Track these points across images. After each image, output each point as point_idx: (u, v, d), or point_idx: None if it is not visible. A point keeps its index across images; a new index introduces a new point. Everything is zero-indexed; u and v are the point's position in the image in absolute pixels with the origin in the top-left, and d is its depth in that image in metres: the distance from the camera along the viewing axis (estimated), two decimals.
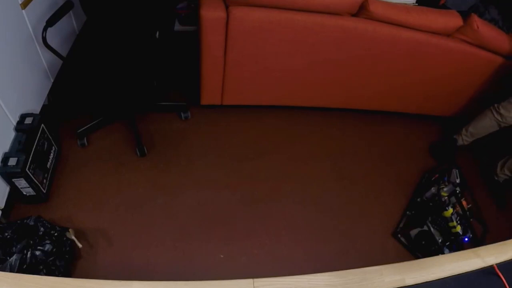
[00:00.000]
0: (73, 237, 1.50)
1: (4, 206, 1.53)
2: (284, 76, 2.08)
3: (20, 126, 1.61)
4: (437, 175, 1.99)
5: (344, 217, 1.87)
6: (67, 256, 1.45)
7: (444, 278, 0.77)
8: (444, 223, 1.74)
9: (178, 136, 2.10)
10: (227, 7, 1.75)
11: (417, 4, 2.26)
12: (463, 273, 0.78)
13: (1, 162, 1.48)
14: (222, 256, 1.64)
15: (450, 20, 1.89)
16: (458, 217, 1.74)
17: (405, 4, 2.02)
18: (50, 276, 0.68)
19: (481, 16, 2.80)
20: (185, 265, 1.59)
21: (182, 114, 2.18)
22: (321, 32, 1.85)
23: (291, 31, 1.83)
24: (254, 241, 1.71)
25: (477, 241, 1.76)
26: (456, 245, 1.72)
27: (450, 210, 1.72)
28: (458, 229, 1.71)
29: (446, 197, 1.76)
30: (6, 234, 1.35)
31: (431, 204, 1.79)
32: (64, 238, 1.47)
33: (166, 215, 1.73)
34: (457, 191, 1.81)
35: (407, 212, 1.91)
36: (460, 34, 1.97)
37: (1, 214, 1.50)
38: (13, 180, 1.51)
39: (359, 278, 0.75)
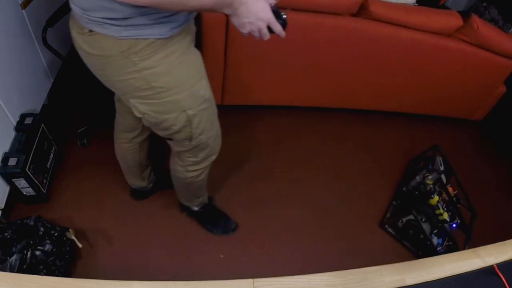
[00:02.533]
0: (73, 237, 1.50)
1: (4, 206, 1.53)
2: (284, 76, 2.09)
3: (20, 126, 1.61)
4: (422, 163, 1.98)
5: (344, 217, 1.87)
6: (67, 256, 1.45)
7: (444, 278, 0.77)
8: (431, 211, 1.73)
9: None
10: None
11: (417, 4, 2.27)
12: (463, 273, 0.78)
13: (1, 162, 1.48)
14: (222, 256, 1.64)
15: (450, 20, 1.90)
16: (445, 204, 1.74)
17: (405, 4, 2.02)
18: (50, 276, 0.68)
19: (481, 16, 2.81)
20: (185, 265, 1.59)
21: None
22: (321, 32, 1.86)
23: (291, 31, 1.83)
24: (254, 241, 1.71)
25: (466, 227, 1.74)
26: (444, 232, 1.71)
27: (436, 197, 1.71)
28: (445, 216, 1.69)
29: (431, 185, 1.76)
30: (6, 234, 1.35)
31: (416, 192, 1.80)
32: (64, 238, 1.47)
33: (166, 215, 1.73)
34: (442, 179, 1.80)
35: (394, 202, 1.92)
36: (460, 34, 1.97)
37: (1, 214, 1.50)
38: (13, 180, 1.51)
39: (359, 278, 0.75)
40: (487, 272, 0.78)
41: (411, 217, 1.76)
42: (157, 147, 2.01)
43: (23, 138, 1.58)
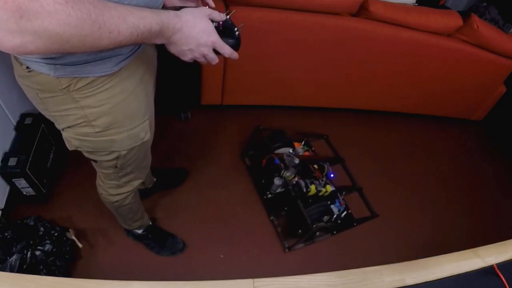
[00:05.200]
0: (73, 237, 1.50)
1: (4, 206, 1.53)
2: (284, 76, 2.09)
3: (20, 126, 1.61)
4: (265, 159, 1.83)
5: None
6: (67, 256, 1.45)
7: (444, 278, 0.77)
8: (316, 199, 1.66)
9: (178, 136, 2.10)
10: (227, 7, 1.75)
11: (417, 4, 2.27)
12: (463, 273, 0.78)
13: (1, 162, 1.48)
14: (222, 256, 1.64)
15: (450, 20, 1.90)
16: (320, 180, 1.70)
17: (405, 4, 2.02)
18: (50, 276, 0.68)
19: (481, 16, 2.81)
20: (185, 265, 1.59)
21: (182, 115, 2.18)
22: (321, 32, 1.86)
23: (291, 31, 1.84)
24: (254, 241, 1.70)
25: (333, 159, 1.87)
26: (334, 195, 1.70)
27: (313, 187, 1.64)
28: (329, 188, 1.68)
29: (295, 179, 1.67)
30: (6, 234, 1.35)
31: (293, 194, 1.65)
32: (64, 238, 1.47)
33: (166, 215, 1.73)
34: (300, 169, 1.73)
35: (271, 218, 1.77)
36: (460, 34, 1.97)
37: (1, 214, 1.50)
38: (13, 180, 1.51)
39: (359, 278, 0.75)
40: (487, 272, 0.78)
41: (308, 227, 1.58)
42: (156, 148, 2.01)
43: (23, 138, 1.58)
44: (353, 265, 0.79)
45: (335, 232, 1.75)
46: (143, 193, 1.66)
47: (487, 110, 2.43)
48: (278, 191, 1.73)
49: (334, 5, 1.78)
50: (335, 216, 1.65)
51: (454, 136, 2.48)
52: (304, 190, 1.63)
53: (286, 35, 1.85)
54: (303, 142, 1.93)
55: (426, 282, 0.76)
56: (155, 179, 1.72)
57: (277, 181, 1.68)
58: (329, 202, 1.68)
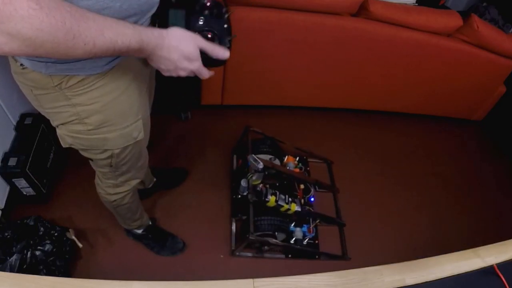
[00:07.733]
0: (73, 237, 1.50)
1: (4, 206, 1.53)
2: (284, 76, 2.09)
3: (20, 126, 1.61)
4: (240, 161, 1.75)
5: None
6: (67, 256, 1.45)
7: (444, 278, 0.77)
8: (277, 212, 1.57)
9: (178, 136, 2.10)
10: (227, 7, 1.75)
11: (417, 4, 2.27)
12: (463, 273, 0.78)
13: (1, 162, 1.48)
14: (222, 256, 1.64)
15: (450, 20, 1.90)
16: (287, 196, 1.59)
17: (405, 4, 2.02)
18: (50, 276, 0.68)
19: (481, 16, 2.81)
20: (185, 265, 1.59)
21: (182, 115, 2.18)
22: (321, 32, 1.86)
23: (291, 31, 1.84)
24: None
25: (326, 185, 1.74)
26: (304, 215, 1.60)
27: (272, 198, 1.54)
28: (294, 207, 1.56)
29: (261, 185, 1.59)
30: (6, 234, 1.35)
31: (255, 199, 1.55)
32: (64, 238, 1.47)
33: (166, 215, 1.73)
34: (266, 173, 1.62)
35: (232, 218, 1.72)
36: (460, 34, 1.97)
37: (1, 214, 1.50)
38: (13, 180, 1.51)
39: (359, 278, 0.75)
40: (487, 272, 0.78)
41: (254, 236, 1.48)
42: (156, 147, 2.01)
43: (23, 138, 1.58)
44: (353, 265, 0.79)
45: (290, 256, 1.66)
46: (143, 193, 1.66)
47: (487, 110, 2.43)
48: (245, 193, 1.63)
49: (334, 5, 1.78)
50: (294, 239, 1.58)
51: (454, 136, 2.48)
52: (263, 198, 1.55)
53: (286, 35, 1.85)
54: (297, 158, 1.87)
55: (426, 282, 0.76)
56: (155, 179, 1.72)
57: (243, 183, 1.61)
58: (293, 224, 1.62)
